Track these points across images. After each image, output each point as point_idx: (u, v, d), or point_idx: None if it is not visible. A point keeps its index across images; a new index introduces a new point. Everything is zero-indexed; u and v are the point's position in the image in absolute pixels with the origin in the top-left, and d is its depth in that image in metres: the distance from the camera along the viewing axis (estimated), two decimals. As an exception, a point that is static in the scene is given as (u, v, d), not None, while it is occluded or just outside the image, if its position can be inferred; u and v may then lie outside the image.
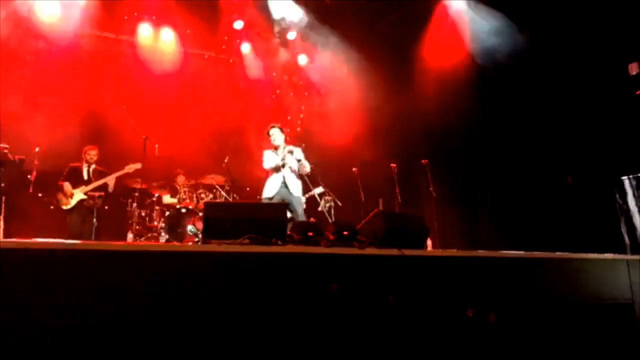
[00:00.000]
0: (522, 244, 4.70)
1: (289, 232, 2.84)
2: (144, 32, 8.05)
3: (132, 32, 7.99)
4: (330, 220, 6.85)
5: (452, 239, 6.98)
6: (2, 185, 5.47)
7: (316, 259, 2.45)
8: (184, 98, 8.24)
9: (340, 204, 7.24)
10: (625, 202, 5.48)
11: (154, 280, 2.10)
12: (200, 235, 5.84)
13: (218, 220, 2.65)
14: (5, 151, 5.51)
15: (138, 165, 6.10)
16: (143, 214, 6.69)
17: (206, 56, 8.81)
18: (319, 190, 6.77)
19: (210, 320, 2.13)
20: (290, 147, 5.64)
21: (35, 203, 6.23)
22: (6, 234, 5.27)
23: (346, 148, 8.00)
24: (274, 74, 9.12)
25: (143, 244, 5.41)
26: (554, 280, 3.14)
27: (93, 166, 6.23)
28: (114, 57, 7.91)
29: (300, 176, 5.75)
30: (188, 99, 8.27)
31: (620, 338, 3.15)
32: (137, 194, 6.64)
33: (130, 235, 6.50)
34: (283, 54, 8.94)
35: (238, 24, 8.39)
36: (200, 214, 6.15)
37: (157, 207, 6.68)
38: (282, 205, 3.24)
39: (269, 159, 5.72)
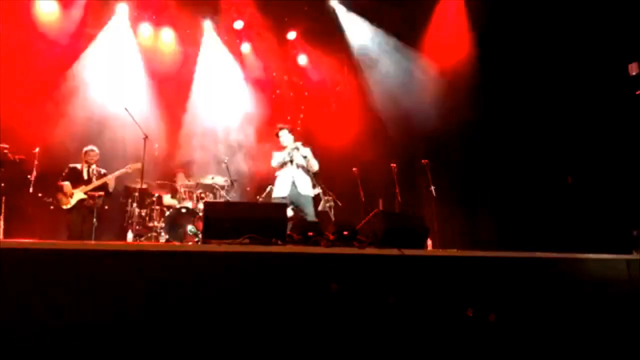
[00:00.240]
0: (522, 244, 4.71)
1: (289, 232, 2.84)
2: (144, 32, 8.05)
3: (132, 32, 8.00)
4: (330, 220, 6.86)
5: (452, 239, 6.97)
6: (2, 185, 5.48)
7: (316, 259, 2.45)
8: (183, 98, 8.25)
9: (340, 204, 7.24)
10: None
11: (154, 280, 2.10)
12: (200, 235, 5.85)
13: (218, 220, 2.65)
14: (5, 151, 5.52)
15: (138, 165, 6.09)
16: (143, 214, 6.69)
17: (207, 57, 8.80)
18: (315, 190, 6.77)
19: (211, 320, 2.13)
20: (297, 144, 5.64)
21: (35, 203, 6.23)
22: (6, 234, 5.27)
23: (346, 148, 8.01)
24: (274, 74, 9.12)
25: (143, 244, 5.42)
26: (554, 280, 3.14)
27: (93, 166, 6.22)
28: (114, 57, 7.90)
29: (309, 173, 5.73)
30: (188, 99, 8.28)
31: (620, 338, 3.15)
32: (137, 194, 6.64)
33: (130, 235, 6.50)
34: (283, 54, 8.95)
35: (238, 24, 8.39)
36: (200, 214, 6.15)
37: (157, 207, 6.68)
38: (282, 205, 3.24)
39: (276, 157, 5.74)
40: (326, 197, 7.19)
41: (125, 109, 5.84)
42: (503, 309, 2.74)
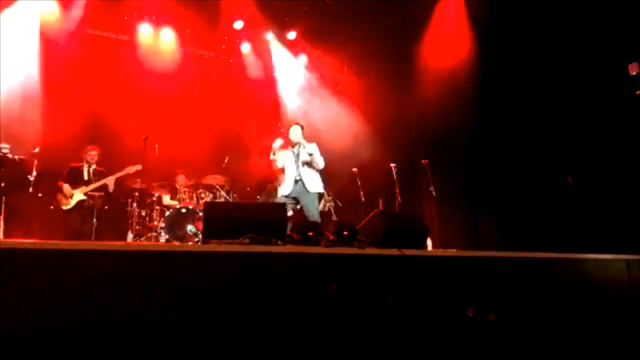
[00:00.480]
0: (522, 244, 4.71)
1: (289, 232, 2.84)
2: (144, 32, 8.05)
3: (132, 32, 8.00)
4: (330, 220, 6.86)
5: (452, 239, 6.97)
6: (2, 185, 5.48)
7: (316, 259, 2.45)
8: (183, 98, 8.25)
9: (340, 204, 7.25)
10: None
11: (154, 281, 2.10)
12: (200, 235, 5.85)
13: (218, 220, 2.65)
14: (5, 151, 5.52)
15: (138, 167, 6.10)
16: (143, 214, 6.70)
17: (206, 56, 8.81)
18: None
19: (210, 320, 2.13)
20: (303, 141, 5.44)
21: (35, 203, 6.23)
22: (6, 234, 5.27)
23: (346, 148, 8.01)
24: (274, 74, 9.13)
25: (143, 244, 5.42)
26: (554, 280, 3.14)
27: (93, 166, 6.23)
28: (114, 57, 7.91)
29: (317, 171, 5.50)
30: (188, 99, 8.28)
31: (620, 338, 3.15)
32: (137, 194, 6.64)
33: (130, 235, 6.51)
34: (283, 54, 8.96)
35: (238, 24, 8.40)
36: (200, 214, 6.15)
37: (157, 207, 6.69)
38: (282, 205, 3.24)
39: (280, 157, 5.55)
40: (326, 197, 7.20)
41: (125, 108, 5.84)
42: (503, 309, 2.74)
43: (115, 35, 8.03)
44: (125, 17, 7.90)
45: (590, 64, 5.80)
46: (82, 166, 6.18)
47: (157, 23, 8.12)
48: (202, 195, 6.90)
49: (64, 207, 5.93)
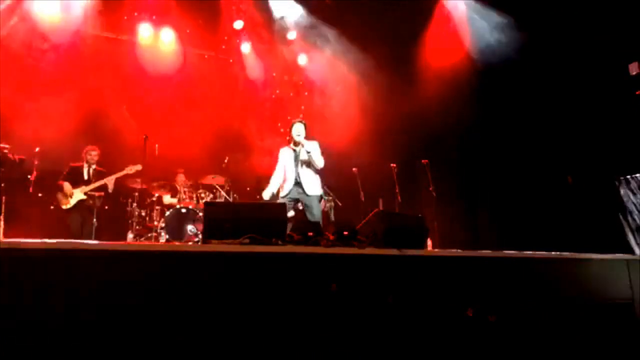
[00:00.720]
0: (522, 244, 4.71)
1: (289, 232, 2.84)
2: (144, 32, 8.05)
3: (132, 32, 8.00)
4: (330, 220, 6.86)
5: (452, 239, 6.97)
6: (2, 185, 5.48)
7: (316, 259, 2.45)
8: (183, 98, 8.24)
9: (340, 204, 7.24)
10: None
11: (154, 280, 2.10)
12: (200, 235, 5.84)
13: (218, 220, 2.65)
14: (5, 151, 5.51)
15: (138, 167, 6.10)
16: (143, 214, 6.70)
17: (206, 56, 8.81)
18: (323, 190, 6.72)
19: (211, 320, 2.13)
20: (303, 140, 5.31)
21: (35, 203, 6.23)
22: (6, 234, 5.27)
23: (346, 148, 8.00)
24: (274, 74, 9.12)
25: (143, 244, 5.42)
26: (554, 280, 3.14)
27: (93, 166, 6.23)
28: (114, 57, 7.91)
29: (317, 172, 5.40)
30: (188, 99, 8.27)
31: (620, 338, 3.15)
32: (137, 194, 6.64)
33: (130, 235, 6.51)
34: (283, 54, 8.95)
35: (238, 24, 8.39)
36: (200, 214, 6.15)
37: (157, 207, 6.68)
38: (282, 205, 3.23)
39: (281, 156, 5.48)
40: (326, 197, 7.19)
41: (125, 108, 5.84)
42: (503, 309, 2.74)
43: (115, 35, 8.02)
44: (125, 17, 7.90)
45: (590, 64, 5.80)
46: (82, 166, 6.19)
47: (157, 23, 8.11)
48: (202, 195, 6.90)
49: (64, 207, 5.93)
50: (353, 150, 7.96)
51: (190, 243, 5.82)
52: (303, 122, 5.54)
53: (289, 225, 3.89)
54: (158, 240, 6.26)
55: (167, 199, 6.88)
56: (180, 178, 7.05)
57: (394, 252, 2.64)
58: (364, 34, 8.53)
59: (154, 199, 6.78)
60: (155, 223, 6.54)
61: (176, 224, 6.29)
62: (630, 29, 5.40)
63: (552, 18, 6.09)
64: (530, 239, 5.63)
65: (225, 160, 7.08)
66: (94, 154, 6.24)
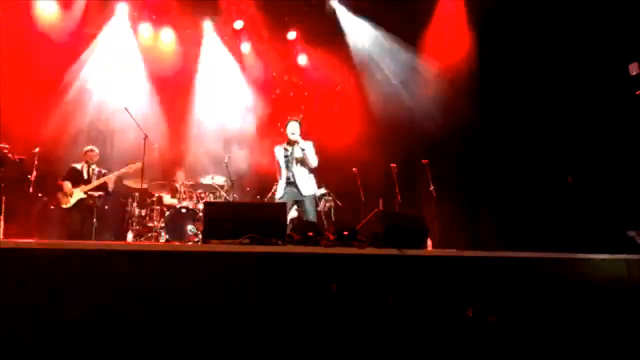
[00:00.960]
0: (522, 244, 4.71)
1: (289, 232, 2.84)
2: (144, 32, 8.06)
3: (132, 32, 8.01)
4: (330, 220, 6.86)
5: (452, 239, 6.97)
6: (2, 185, 5.48)
7: (316, 259, 2.45)
8: (183, 98, 8.25)
9: (340, 204, 7.24)
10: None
11: (154, 280, 2.10)
12: (200, 235, 5.84)
13: (218, 220, 2.65)
14: (5, 151, 5.52)
15: (138, 165, 6.09)
16: (143, 213, 6.70)
17: (206, 56, 8.81)
18: (320, 191, 6.71)
19: (211, 320, 2.13)
20: (299, 139, 5.31)
21: (35, 203, 6.24)
22: (6, 234, 5.28)
23: (346, 148, 8.00)
24: (274, 74, 9.12)
25: (143, 244, 5.42)
26: (554, 280, 3.14)
27: (93, 166, 6.24)
28: (114, 57, 7.91)
29: (311, 171, 5.38)
30: (187, 98, 8.28)
31: (620, 338, 3.15)
32: (137, 194, 6.64)
33: (130, 235, 6.51)
34: (283, 54, 8.95)
35: (238, 24, 8.39)
36: (200, 214, 6.15)
37: (157, 207, 6.68)
38: (282, 205, 3.24)
39: (277, 154, 5.46)
40: (326, 197, 7.19)
41: (125, 108, 5.84)
42: (503, 309, 2.74)
43: (114, 35, 8.01)
44: (126, 17, 7.90)
45: (591, 64, 5.80)
46: (82, 166, 6.19)
47: (157, 23, 8.12)
48: (202, 195, 6.90)
49: (64, 206, 5.93)
50: (353, 150, 7.96)
51: (190, 243, 5.83)
52: (298, 120, 5.55)
53: (289, 226, 3.89)
54: (158, 240, 6.26)
55: (167, 199, 6.88)
56: (180, 175, 7.02)
57: (394, 252, 2.64)
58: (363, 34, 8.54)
59: (154, 199, 6.78)
60: (155, 223, 6.54)
61: (176, 224, 6.29)
62: (630, 29, 5.40)
63: (552, 18, 6.10)
64: (530, 239, 5.63)
65: (225, 160, 7.09)
66: (93, 153, 6.25)
